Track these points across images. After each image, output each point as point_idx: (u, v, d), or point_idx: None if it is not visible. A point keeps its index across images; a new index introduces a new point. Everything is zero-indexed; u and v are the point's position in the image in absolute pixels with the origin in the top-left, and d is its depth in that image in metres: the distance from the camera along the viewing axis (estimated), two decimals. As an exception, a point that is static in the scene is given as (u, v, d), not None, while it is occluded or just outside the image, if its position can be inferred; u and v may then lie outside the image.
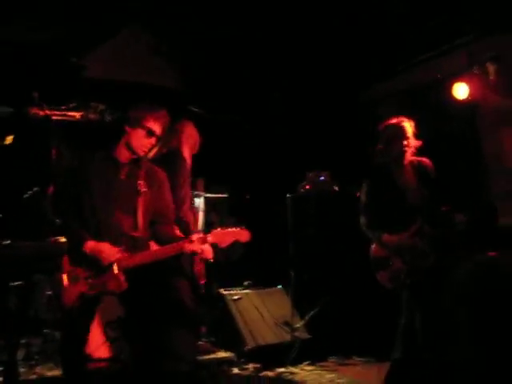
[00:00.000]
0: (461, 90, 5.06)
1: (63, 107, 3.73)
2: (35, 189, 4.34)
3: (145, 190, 3.42)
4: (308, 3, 5.23)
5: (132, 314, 3.38)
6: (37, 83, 4.39)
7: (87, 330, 3.29)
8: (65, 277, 3.23)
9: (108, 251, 3.24)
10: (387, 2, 5.12)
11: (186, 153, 4.34)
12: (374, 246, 4.02)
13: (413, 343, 3.77)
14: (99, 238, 3.31)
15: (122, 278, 3.24)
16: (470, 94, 5.01)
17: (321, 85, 6.30)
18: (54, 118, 3.44)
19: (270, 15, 5.40)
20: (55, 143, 3.55)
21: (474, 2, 4.90)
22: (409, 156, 3.94)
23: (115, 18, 5.57)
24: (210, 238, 3.30)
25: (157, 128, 3.45)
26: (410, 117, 3.95)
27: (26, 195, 4.38)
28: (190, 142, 4.40)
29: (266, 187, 6.36)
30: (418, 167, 3.95)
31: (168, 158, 4.13)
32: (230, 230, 3.32)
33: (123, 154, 3.48)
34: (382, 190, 3.97)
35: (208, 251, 3.35)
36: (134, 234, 3.37)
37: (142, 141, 3.43)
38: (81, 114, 3.71)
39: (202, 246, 3.29)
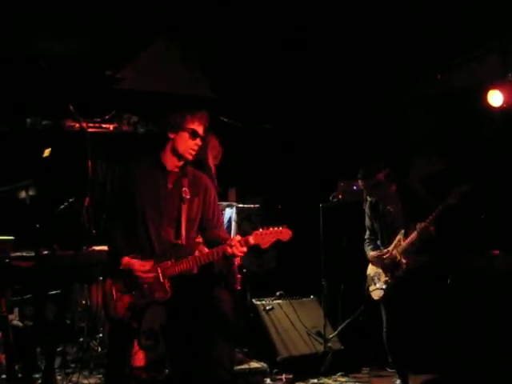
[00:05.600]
0: (495, 98, 4.98)
1: (98, 119, 3.81)
2: (70, 200, 4.43)
3: (188, 197, 3.45)
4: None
5: (174, 322, 3.41)
6: (72, 96, 4.46)
7: (134, 340, 3.33)
8: (114, 288, 3.29)
9: (143, 269, 3.29)
10: (419, 5, 5.04)
11: (211, 162, 4.58)
12: None
13: None
14: (148, 245, 3.36)
15: (168, 285, 3.29)
16: (504, 101, 4.93)
17: (350, 93, 6.28)
18: (89, 130, 3.51)
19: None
20: (91, 154, 3.62)
21: (508, 6, 4.82)
22: None
23: (148, 30, 5.63)
24: (251, 239, 3.27)
25: (199, 128, 3.46)
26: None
27: (62, 206, 4.47)
28: (213, 153, 4.67)
29: (299, 197, 6.34)
30: None
31: (195, 167, 4.22)
32: (271, 229, 3.27)
33: (170, 162, 3.49)
34: None
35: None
36: (178, 241, 3.40)
37: (188, 143, 3.45)
38: (114, 125, 3.78)
39: (243, 248, 3.29)
